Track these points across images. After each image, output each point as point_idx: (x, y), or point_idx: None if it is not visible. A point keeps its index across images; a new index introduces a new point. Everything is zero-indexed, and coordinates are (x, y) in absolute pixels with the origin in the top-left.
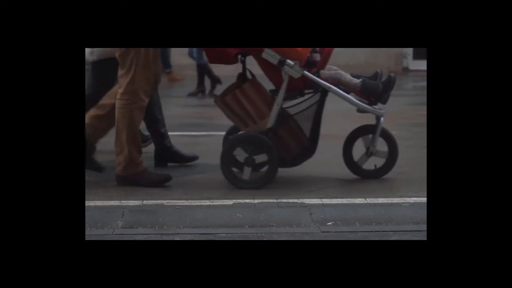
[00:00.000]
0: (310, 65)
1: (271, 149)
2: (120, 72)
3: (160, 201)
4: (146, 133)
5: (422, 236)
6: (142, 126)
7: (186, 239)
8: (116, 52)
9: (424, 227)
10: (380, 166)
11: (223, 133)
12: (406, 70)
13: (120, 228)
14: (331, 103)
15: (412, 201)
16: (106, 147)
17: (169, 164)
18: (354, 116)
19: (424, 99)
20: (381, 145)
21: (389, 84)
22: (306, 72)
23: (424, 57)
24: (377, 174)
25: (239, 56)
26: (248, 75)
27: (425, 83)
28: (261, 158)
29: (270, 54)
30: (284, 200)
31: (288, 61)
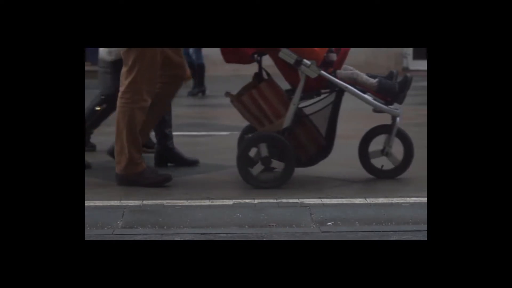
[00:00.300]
0: (326, 65)
1: (288, 148)
2: (123, 69)
3: (160, 201)
4: (154, 140)
5: (422, 236)
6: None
7: (186, 239)
8: None
9: (424, 227)
10: (396, 165)
11: (223, 133)
12: (406, 70)
13: (120, 228)
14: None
15: (412, 201)
16: (106, 147)
17: (169, 164)
18: (358, 117)
19: (424, 99)
20: (397, 145)
21: (405, 84)
22: (323, 72)
23: (424, 57)
24: (393, 174)
25: (255, 56)
26: (264, 75)
27: (425, 83)
28: (277, 159)
29: (287, 54)
30: (284, 200)
31: (305, 60)
